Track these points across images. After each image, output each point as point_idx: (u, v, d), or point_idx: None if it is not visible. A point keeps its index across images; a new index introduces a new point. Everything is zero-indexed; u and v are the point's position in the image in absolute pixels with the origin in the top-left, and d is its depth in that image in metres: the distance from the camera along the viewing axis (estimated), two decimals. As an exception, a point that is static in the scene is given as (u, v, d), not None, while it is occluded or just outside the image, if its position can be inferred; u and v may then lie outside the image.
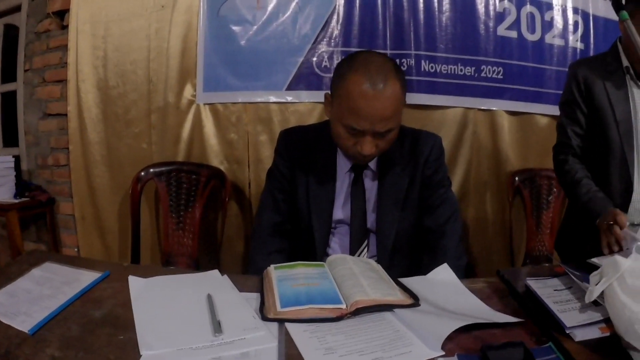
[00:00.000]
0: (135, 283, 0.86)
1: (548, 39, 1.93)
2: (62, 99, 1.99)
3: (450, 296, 0.87)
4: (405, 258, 1.19)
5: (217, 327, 0.69)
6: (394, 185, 1.15)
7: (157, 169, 1.82)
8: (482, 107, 1.86)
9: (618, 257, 0.78)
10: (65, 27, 2.00)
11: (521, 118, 1.90)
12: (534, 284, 0.89)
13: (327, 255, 1.16)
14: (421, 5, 1.82)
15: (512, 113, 1.89)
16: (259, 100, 1.82)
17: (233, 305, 0.78)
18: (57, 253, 2.01)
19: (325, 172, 1.15)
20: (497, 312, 0.80)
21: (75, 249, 2.00)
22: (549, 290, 0.86)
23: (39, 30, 2.09)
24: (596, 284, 0.74)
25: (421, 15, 1.82)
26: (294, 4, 1.82)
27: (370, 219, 1.16)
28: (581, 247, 1.36)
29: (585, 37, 1.98)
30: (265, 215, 1.20)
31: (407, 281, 0.93)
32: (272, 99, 1.81)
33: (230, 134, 1.84)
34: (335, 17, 1.81)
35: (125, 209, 1.87)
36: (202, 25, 1.85)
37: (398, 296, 0.81)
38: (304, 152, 1.16)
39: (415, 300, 0.80)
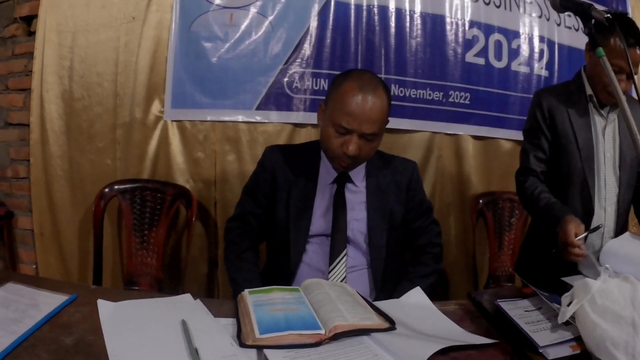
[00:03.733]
0: (104, 308, 0.83)
1: (514, 66, 1.99)
2: (25, 108, 1.92)
3: (424, 319, 0.91)
4: (394, 269, 1.28)
5: (194, 355, 0.68)
6: (381, 201, 1.27)
7: (121, 186, 1.77)
8: (449, 132, 1.89)
9: (588, 280, 0.83)
10: (32, 34, 1.93)
11: (485, 143, 1.95)
12: (505, 306, 0.92)
13: (303, 263, 1.23)
14: (392, 30, 1.85)
15: (477, 137, 1.94)
16: (227, 119, 1.80)
17: (209, 332, 0.77)
18: (15, 272, 1.92)
19: (306, 185, 1.25)
20: (471, 334, 0.84)
21: (34, 266, 1.93)
22: (520, 311, 0.90)
23: (4, 35, 2.01)
24: (568, 305, 0.79)
25: (392, 40, 1.85)
26: (266, 23, 1.81)
27: (352, 229, 1.24)
28: (539, 268, 1.42)
29: (549, 65, 2.05)
30: (236, 223, 1.32)
31: (381, 304, 0.97)
32: (241, 118, 1.80)
33: (197, 153, 1.81)
34: (307, 38, 1.81)
35: (86, 226, 1.82)
36: (173, 40, 1.82)
37: (375, 320, 0.83)
38: (287, 167, 1.27)
39: (391, 324, 0.83)
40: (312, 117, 1.78)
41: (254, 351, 0.72)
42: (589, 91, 1.38)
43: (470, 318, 0.93)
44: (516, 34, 1.99)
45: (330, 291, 0.92)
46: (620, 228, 1.42)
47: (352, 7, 1.81)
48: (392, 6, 1.85)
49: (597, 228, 1.31)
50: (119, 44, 1.85)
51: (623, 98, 0.98)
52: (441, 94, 1.86)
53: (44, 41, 1.85)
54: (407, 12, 1.85)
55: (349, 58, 1.82)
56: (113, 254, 1.87)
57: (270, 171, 1.28)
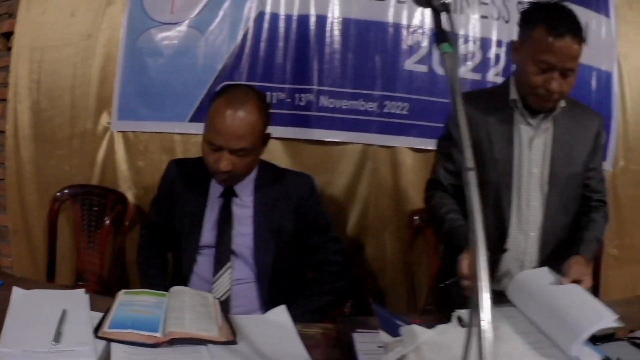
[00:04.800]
0: (17, 293, 0.98)
1: (463, 73, 1.86)
2: (3, 117, 2.16)
3: (275, 340, 0.93)
4: (286, 285, 1.30)
5: (57, 337, 0.82)
6: (268, 216, 1.28)
7: (71, 191, 1.95)
8: (385, 144, 1.83)
9: (416, 327, 0.77)
10: (10, 49, 2.16)
11: (426, 155, 1.84)
12: (360, 338, 0.89)
13: (193, 273, 1.29)
14: (327, 40, 1.82)
15: (417, 150, 1.84)
16: (164, 130, 1.89)
17: (80, 322, 0.90)
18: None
19: (198, 198, 1.29)
20: None
21: (10, 259, 2.17)
22: (372, 347, 0.86)
23: (-12, 50, 2.26)
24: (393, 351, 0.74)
25: (326, 51, 1.81)
26: (202, 37, 1.87)
27: (237, 243, 1.27)
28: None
29: (507, 71, 1.89)
30: (146, 231, 1.46)
31: (244, 318, 1.02)
32: (177, 129, 1.88)
33: (139, 162, 1.93)
34: (240, 51, 1.84)
35: (49, 226, 2.01)
36: (121, 56, 1.94)
37: (214, 333, 0.88)
38: (184, 180, 1.32)
39: (230, 339, 0.88)
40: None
41: (104, 343, 0.83)
42: (513, 95, 1.21)
43: (327, 345, 0.93)
44: (467, 39, 1.86)
45: (187, 299, 0.99)
46: (554, 260, 1.21)
47: (283, 18, 1.80)
48: (327, 15, 1.81)
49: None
50: (77, 59, 2.01)
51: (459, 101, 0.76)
52: (375, 104, 1.80)
53: (19, 56, 2.05)
54: (341, 21, 1.80)
55: (280, 70, 1.81)
56: (71, 254, 2.05)
57: (170, 184, 1.35)
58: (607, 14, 2.13)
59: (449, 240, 1.24)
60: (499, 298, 1.16)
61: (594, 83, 2.09)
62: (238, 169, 1.18)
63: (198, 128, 1.92)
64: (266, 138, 1.27)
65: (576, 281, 1.05)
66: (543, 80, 1.12)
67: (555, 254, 1.25)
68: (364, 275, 1.86)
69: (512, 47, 1.22)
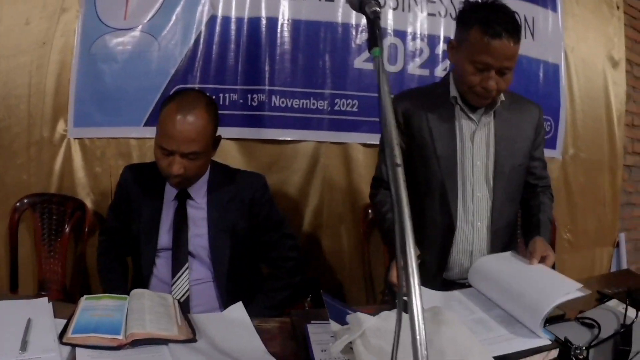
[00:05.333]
0: None
1: (411, 69, 1.91)
2: (-32, 127, 2.15)
3: (233, 335, 0.96)
4: (243, 282, 1.33)
5: (23, 345, 0.84)
6: (222, 216, 1.31)
7: (30, 200, 1.94)
8: (336, 141, 1.87)
9: (361, 314, 0.80)
10: (-28, 59, 2.15)
11: (377, 151, 1.88)
12: (313, 329, 0.92)
13: (153, 275, 1.31)
14: (278, 41, 1.85)
15: (368, 146, 1.89)
16: (120, 135, 1.90)
17: (45, 329, 0.92)
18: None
19: (154, 202, 1.32)
20: (271, 357, 0.88)
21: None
22: (325, 337, 0.90)
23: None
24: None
25: (277, 52, 1.85)
26: (156, 42, 1.88)
27: (194, 244, 1.29)
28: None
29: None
30: (103, 236, 1.47)
31: (203, 317, 1.05)
32: (132, 134, 1.89)
33: (96, 168, 1.94)
34: (193, 55, 1.86)
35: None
36: (75, 63, 1.94)
37: (174, 332, 0.91)
38: (139, 184, 1.35)
39: (190, 338, 0.91)
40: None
41: (69, 348, 0.85)
42: (453, 92, 1.25)
43: (283, 338, 0.96)
44: (414, 36, 1.91)
45: (147, 301, 1.02)
46: (502, 246, 1.29)
47: (234, 20, 1.83)
48: (275, 17, 1.84)
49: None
50: (32, 67, 2.00)
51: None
52: (326, 102, 1.84)
53: (-23, 66, 2.05)
54: (291, 22, 1.84)
55: (232, 71, 1.84)
56: (32, 263, 2.05)
57: (125, 189, 1.37)
58: (554, 9, 2.22)
59: (389, 240, 1.27)
60: (450, 286, 1.23)
61: (542, 75, 2.16)
62: (190, 172, 1.21)
63: (153, 132, 1.89)
64: (217, 140, 1.30)
65: (541, 258, 1.12)
66: (480, 79, 1.15)
67: (504, 242, 1.32)
68: (323, 270, 1.90)
69: (449, 47, 1.25)
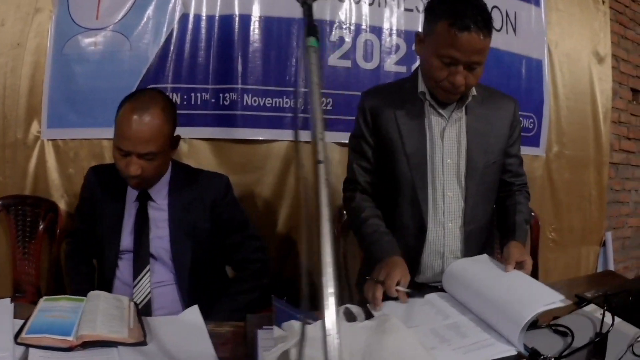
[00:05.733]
0: None
1: (387, 66, 1.88)
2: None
3: (185, 339, 0.94)
4: (207, 285, 1.32)
5: None
6: (183, 218, 1.29)
7: (4, 202, 1.93)
8: (309, 140, 1.83)
9: (295, 322, 0.78)
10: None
11: (353, 150, 1.86)
12: (264, 335, 0.90)
13: (116, 277, 1.31)
14: (250, 39, 1.82)
15: (343, 144, 1.85)
16: (93, 136, 1.88)
17: (2, 329, 0.91)
18: None
19: (116, 203, 1.31)
20: None
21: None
22: (275, 343, 0.85)
23: None
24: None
25: (249, 50, 1.82)
26: (127, 41, 1.86)
27: (155, 246, 1.28)
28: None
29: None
30: (70, 238, 1.48)
31: (158, 320, 1.04)
32: (105, 135, 1.87)
33: (69, 169, 1.92)
34: (164, 54, 1.83)
35: (-16, 239, 2.00)
36: (48, 64, 1.92)
37: (124, 334, 0.90)
38: (102, 185, 1.34)
39: (140, 341, 0.90)
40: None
41: (23, 348, 0.84)
42: (421, 88, 1.19)
43: (235, 343, 0.93)
44: (391, 32, 1.88)
45: (101, 303, 1.01)
46: (477, 248, 1.24)
47: (205, 19, 1.81)
48: (250, 14, 1.81)
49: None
50: (7, 69, 1.98)
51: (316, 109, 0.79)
52: (299, 100, 1.81)
53: (-49, 67, 2.03)
54: (263, 19, 1.81)
55: (204, 70, 1.82)
56: (7, 265, 2.04)
57: (90, 190, 1.38)
58: (537, 3, 2.17)
59: (369, 246, 1.22)
60: (423, 290, 1.17)
61: (524, 71, 2.12)
62: (148, 173, 1.20)
63: None
64: (175, 140, 1.28)
65: (518, 264, 1.07)
66: (447, 74, 1.10)
67: (479, 243, 1.27)
68: (298, 272, 1.87)
69: (416, 40, 1.19)
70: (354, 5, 1.84)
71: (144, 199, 1.29)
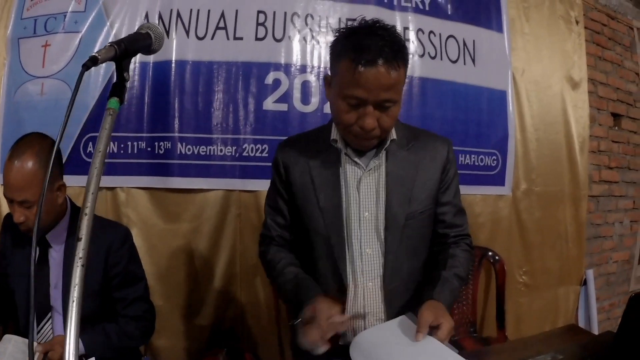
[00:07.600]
0: None
1: (327, 108, 1.79)
2: None
3: None
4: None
5: None
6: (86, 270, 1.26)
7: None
8: (245, 189, 1.78)
9: None
10: None
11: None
12: None
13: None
14: (185, 86, 1.78)
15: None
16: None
17: None
18: None
19: (24, 250, 1.30)
20: None
21: None
22: None
23: None
24: None
25: (185, 96, 1.78)
26: (69, 90, 1.87)
27: (53, 296, 1.27)
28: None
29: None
30: None
31: None
32: (48, 183, 1.89)
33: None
34: (102, 102, 1.83)
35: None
36: (1, 111, 1.97)
37: None
38: (11, 233, 1.32)
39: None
40: (107, 180, 1.80)
41: None
42: (333, 135, 1.10)
43: None
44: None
45: (11, 347, 1.09)
46: (403, 308, 1.12)
47: (138, 65, 1.79)
48: (186, 60, 1.77)
49: None
50: (-32, 116, 2.06)
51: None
52: (234, 148, 1.76)
53: None
54: (198, 64, 1.76)
55: (138, 118, 1.79)
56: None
57: (3, 236, 1.36)
58: (499, 29, 2.02)
59: (289, 296, 1.13)
60: (346, 354, 1.08)
61: (485, 104, 1.97)
62: (29, 221, 1.19)
63: (68, 181, 1.97)
64: (59, 186, 1.26)
65: (432, 328, 0.97)
66: (356, 117, 1.00)
67: (405, 302, 1.15)
68: (238, 323, 1.82)
69: (325, 83, 1.10)
70: (287, 44, 1.77)
71: (43, 245, 1.27)
